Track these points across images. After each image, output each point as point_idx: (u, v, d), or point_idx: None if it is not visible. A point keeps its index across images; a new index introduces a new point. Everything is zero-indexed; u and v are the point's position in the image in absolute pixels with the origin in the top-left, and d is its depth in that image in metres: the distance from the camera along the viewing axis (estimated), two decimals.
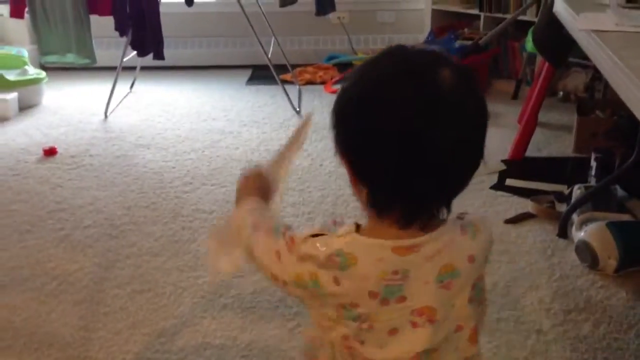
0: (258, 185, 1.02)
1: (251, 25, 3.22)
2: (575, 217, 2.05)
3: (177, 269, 1.97)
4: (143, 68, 3.60)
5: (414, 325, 0.81)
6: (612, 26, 1.46)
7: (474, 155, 0.78)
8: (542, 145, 2.82)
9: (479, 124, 0.77)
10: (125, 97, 3.55)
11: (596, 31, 1.42)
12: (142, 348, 1.64)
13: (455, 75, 0.75)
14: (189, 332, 1.69)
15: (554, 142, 2.85)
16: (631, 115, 2.30)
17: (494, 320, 1.67)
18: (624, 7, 1.65)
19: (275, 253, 0.84)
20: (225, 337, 1.67)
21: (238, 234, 0.92)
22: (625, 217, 2.02)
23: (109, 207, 2.36)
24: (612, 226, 1.88)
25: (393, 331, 0.82)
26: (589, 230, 1.92)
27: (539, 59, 3.12)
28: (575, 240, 1.97)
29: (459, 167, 0.77)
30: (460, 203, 0.83)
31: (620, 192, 2.18)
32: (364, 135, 0.77)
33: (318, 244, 0.80)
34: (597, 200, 2.08)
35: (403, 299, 0.80)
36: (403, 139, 0.74)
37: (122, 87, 3.47)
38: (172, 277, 1.93)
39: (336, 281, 0.79)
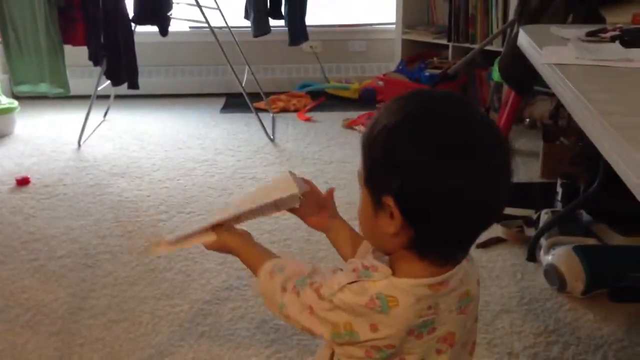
0: (236, 234, 1.04)
1: (225, 55, 3.26)
2: (543, 241, 2.11)
3: (154, 298, 1.97)
4: (117, 97, 3.62)
5: (439, 352, 0.84)
6: (573, 59, 1.53)
7: (506, 198, 0.81)
8: None
9: (509, 160, 0.80)
10: (98, 125, 3.55)
11: (558, 64, 1.49)
12: None
13: (480, 115, 0.81)
14: None
15: (521, 167, 2.93)
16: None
17: None
18: (583, 41, 1.73)
19: (308, 309, 0.84)
20: None
21: (272, 303, 0.91)
22: (591, 241, 2.09)
23: (84, 237, 2.35)
24: (579, 250, 1.94)
25: None
26: (556, 254, 1.98)
27: (506, 87, 3.22)
28: (544, 264, 2.02)
29: (494, 213, 0.82)
30: None
31: (585, 216, 2.25)
32: (437, 189, 0.75)
33: (355, 291, 0.80)
34: (563, 225, 2.15)
35: (433, 330, 0.83)
36: (472, 195, 0.76)
37: (96, 115, 3.48)
38: (149, 305, 1.93)
39: (373, 328, 0.80)
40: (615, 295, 1.91)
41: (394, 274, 0.80)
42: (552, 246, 2.04)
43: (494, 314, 1.86)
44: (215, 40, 3.24)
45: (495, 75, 2.87)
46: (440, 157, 0.74)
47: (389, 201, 0.77)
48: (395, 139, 0.77)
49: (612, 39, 1.71)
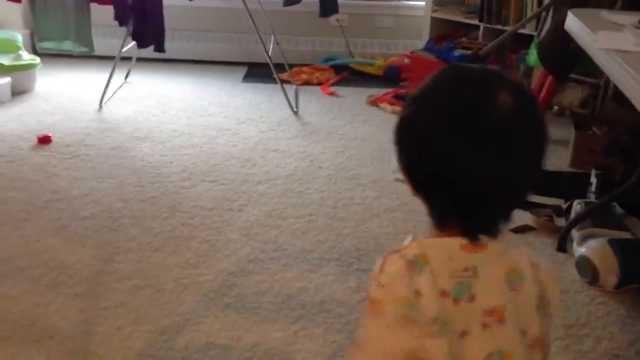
0: None
1: (254, 23, 3.20)
2: (574, 233, 2.07)
3: (178, 266, 1.94)
4: (138, 59, 3.56)
5: (485, 326, 0.81)
6: (632, 47, 1.48)
7: (529, 175, 0.80)
8: None
9: (537, 146, 0.79)
10: (119, 87, 3.50)
11: (617, 50, 1.44)
12: (145, 345, 1.61)
13: (514, 97, 0.77)
14: (192, 330, 1.67)
15: (550, 156, 2.87)
16: (630, 132, 2.33)
17: None
18: (637, 28, 1.68)
19: (374, 326, 0.81)
20: (228, 337, 1.65)
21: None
22: (625, 235, 2.05)
23: (107, 199, 2.32)
24: (614, 243, 1.90)
25: (464, 333, 0.81)
26: (590, 246, 1.94)
27: (537, 72, 3.16)
28: (576, 255, 1.99)
29: (514, 187, 0.79)
30: None
31: (618, 209, 2.21)
32: (420, 151, 0.80)
33: (392, 261, 0.80)
34: (596, 217, 2.10)
35: (473, 297, 0.80)
36: (455, 157, 0.76)
37: (117, 77, 3.42)
38: (173, 273, 1.91)
39: (418, 293, 0.78)
40: None
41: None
42: (585, 238, 2.00)
43: None
44: (239, 7, 3.17)
45: (532, 59, 2.81)
46: (440, 125, 0.78)
47: (400, 169, 0.83)
48: (407, 110, 0.83)
49: None
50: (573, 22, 1.85)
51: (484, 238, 0.81)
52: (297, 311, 1.76)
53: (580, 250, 1.97)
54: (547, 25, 3.03)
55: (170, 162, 2.66)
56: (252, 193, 2.41)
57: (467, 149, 0.76)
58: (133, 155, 2.72)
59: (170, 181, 2.49)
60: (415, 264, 0.79)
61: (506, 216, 0.82)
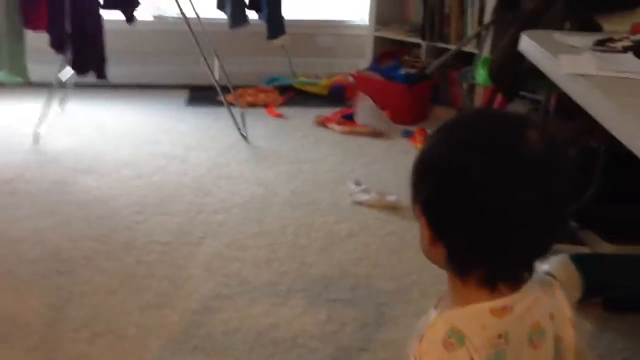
0: None
1: (198, 45, 3.12)
2: None
3: (139, 308, 1.84)
4: (74, 85, 3.41)
5: None
6: (595, 70, 1.50)
7: (559, 220, 0.77)
8: None
9: (566, 188, 0.76)
10: (56, 116, 3.33)
11: (582, 75, 1.46)
12: None
13: (544, 138, 0.75)
14: None
15: None
16: (586, 150, 2.39)
17: None
18: (595, 50, 1.72)
19: None
20: None
21: None
22: (584, 250, 2.09)
23: (53, 239, 2.19)
24: (575, 258, 1.93)
25: None
26: (552, 262, 1.96)
27: (479, 89, 3.22)
28: (539, 271, 2.01)
29: (542, 233, 0.76)
30: None
31: (573, 224, 2.25)
32: (447, 193, 0.76)
33: (429, 340, 0.75)
34: None
35: None
36: (492, 210, 0.73)
37: (53, 106, 3.26)
38: (134, 317, 1.81)
39: None
40: (610, 305, 1.92)
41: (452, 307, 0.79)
42: None
43: None
44: (181, 28, 3.08)
45: (481, 77, 2.85)
46: (465, 171, 0.73)
47: (418, 209, 0.78)
48: (431, 152, 0.79)
49: (624, 50, 1.69)
50: (529, 44, 1.88)
51: (509, 295, 0.77)
52: (270, 349, 1.69)
53: (542, 266, 1.99)
54: (489, 42, 3.10)
55: (119, 195, 2.54)
56: (210, 224, 2.33)
57: (501, 184, 0.72)
58: (77, 189, 2.58)
59: (121, 216, 2.38)
60: (452, 340, 0.74)
61: (531, 262, 0.79)
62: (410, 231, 2.27)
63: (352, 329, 1.77)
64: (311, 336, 1.74)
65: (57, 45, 2.86)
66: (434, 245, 0.79)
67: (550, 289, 0.82)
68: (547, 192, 0.74)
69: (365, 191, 2.57)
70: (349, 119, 3.39)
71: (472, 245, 0.75)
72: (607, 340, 1.78)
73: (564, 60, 1.57)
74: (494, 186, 0.72)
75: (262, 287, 1.96)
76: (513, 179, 0.72)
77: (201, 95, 3.80)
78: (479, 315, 0.76)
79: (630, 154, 2.15)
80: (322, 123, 3.43)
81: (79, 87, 3.43)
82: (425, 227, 0.78)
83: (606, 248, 2.16)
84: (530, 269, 0.79)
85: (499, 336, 0.75)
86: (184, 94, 3.86)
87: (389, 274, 2.04)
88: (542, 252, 0.79)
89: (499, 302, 0.76)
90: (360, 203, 2.52)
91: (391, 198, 2.48)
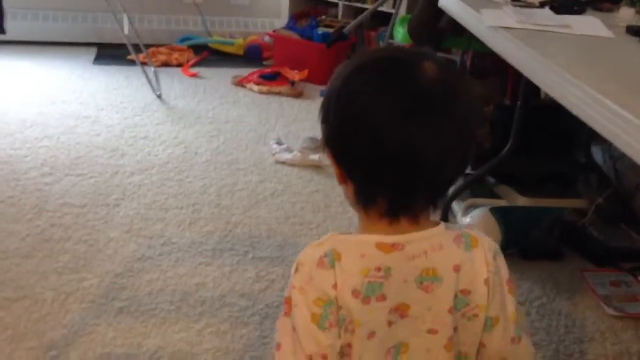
0: None
1: (106, 0, 2.95)
2: (456, 205, 2.16)
3: (55, 272, 1.74)
4: None
5: (389, 324, 0.79)
6: (515, 24, 1.53)
7: (460, 153, 0.75)
8: None
9: (466, 122, 0.75)
10: None
11: (504, 28, 1.49)
12: None
13: (441, 71, 0.75)
14: (84, 342, 1.51)
15: None
16: (502, 108, 2.47)
17: None
18: (514, 5, 1.75)
19: (291, 329, 0.79)
20: (127, 344, 1.51)
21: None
22: (503, 203, 2.17)
23: None
24: (495, 211, 2.00)
25: (371, 335, 0.79)
26: (474, 216, 2.03)
27: None
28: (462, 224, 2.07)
29: (441, 164, 0.74)
30: None
31: (490, 179, 2.34)
32: (344, 128, 0.76)
33: (307, 255, 0.79)
34: (474, 188, 2.21)
35: (383, 297, 0.77)
36: (380, 132, 0.73)
37: None
38: (51, 281, 1.71)
39: (335, 287, 0.77)
40: (525, 254, 2.01)
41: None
42: (468, 208, 2.09)
43: None
44: None
45: (400, 35, 2.87)
46: (339, 96, 0.76)
47: (326, 149, 0.79)
48: (329, 90, 0.79)
49: (541, 5, 1.74)
50: (450, 1, 1.90)
51: (408, 232, 0.77)
52: (198, 308, 1.65)
53: (464, 220, 2.06)
54: (406, 2, 3.12)
55: (25, 157, 2.39)
56: (127, 185, 2.24)
57: (395, 119, 0.72)
58: None
59: (29, 177, 2.24)
60: (326, 260, 0.77)
61: (433, 195, 0.79)
62: (334, 189, 2.28)
63: (282, 286, 1.75)
64: (240, 294, 1.72)
65: None
66: (345, 182, 0.80)
67: (468, 244, 0.80)
68: (446, 121, 0.73)
69: (287, 150, 2.55)
70: (267, 78, 3.34)
71: (373, 177, 0.76)
72: (525, 288, 1.87)
73: (486, 14, 1.59)
74: (388, 117, 0.72)
75: (187, 247, 1.91)
76: (407, 108, 0.71)
77: (110, 53, 3.62)
78: (362, 244, 0.77)
79: (544, 109, 2.25)
80: (240, 83, 3.36)
81: None
82: (334, 165, 0.79)
83: (521, 201, 2.25)
84: (433, 202, 0.79)
85: (378, 269, 0.76)
86: (92, 52, 3.67)
87: (316, 232, 2.04)
88: (444, 184, 0.79)
89: (389, 239, 0.77)
90: (282, 162, 2.49)
91: (314, 157, 2.48)
